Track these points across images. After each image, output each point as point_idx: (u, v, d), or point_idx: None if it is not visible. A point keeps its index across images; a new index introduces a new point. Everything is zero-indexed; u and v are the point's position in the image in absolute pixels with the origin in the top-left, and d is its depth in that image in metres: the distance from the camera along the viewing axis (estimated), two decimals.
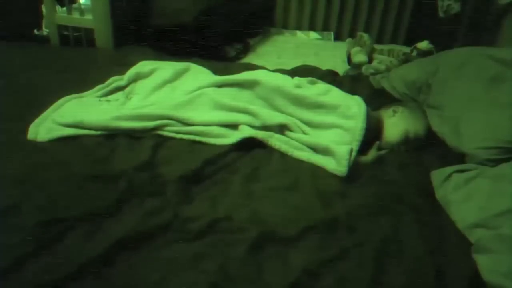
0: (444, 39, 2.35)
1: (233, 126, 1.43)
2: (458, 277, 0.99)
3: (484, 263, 1.00)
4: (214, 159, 1.30)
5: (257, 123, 1.43)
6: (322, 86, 1.61)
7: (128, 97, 1.59)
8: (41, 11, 2.17)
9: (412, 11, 2.63)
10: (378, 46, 2.35)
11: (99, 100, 1.58)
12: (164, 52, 2.06)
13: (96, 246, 0.96)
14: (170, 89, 1.61)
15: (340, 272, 0.97)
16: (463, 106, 1.50)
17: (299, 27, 2.72)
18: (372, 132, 1.48)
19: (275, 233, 1.05)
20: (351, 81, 1.94)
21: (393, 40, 2.69)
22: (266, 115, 1.44)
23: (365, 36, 2.29)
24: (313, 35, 2.67)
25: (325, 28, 2.71)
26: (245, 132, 1.39)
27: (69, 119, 1.38)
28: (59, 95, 1.53)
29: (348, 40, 2.40)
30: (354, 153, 1.33)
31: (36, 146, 1.30)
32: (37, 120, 1.39)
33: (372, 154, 1.42)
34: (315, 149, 1.38)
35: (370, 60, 2.17)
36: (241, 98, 1.51)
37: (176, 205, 1.11)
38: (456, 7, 2.26)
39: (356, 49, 2.21)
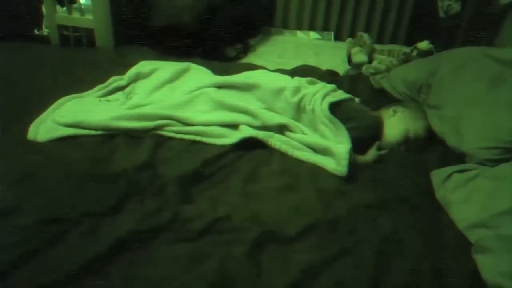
0: (444, 39, 2.35)
1: (233, 126, 1.43)
2: (458, 277, 0.99)
3: (484, 263, 1.00)
4: (214, 159, 1.30)
5: (257, 123, 1.43)
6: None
7: (128, 97, 1.59)
8: (41, 11, 2.17)
9: (412, 11, 2.63)
10: (378, 46, 2.35)
11: (99, 100, 1.58)
12: (164, 52, 2.06)
13: (96, 246, 0.96)
14: (170, 89, 1.61)
15: (340, 272, 0.97)
16: (463, 106, 1.50)
17: (299, 27, 2.71)
18: (372, 132, 1.48)
19: (275, 233, 1.05)
20: (351, 81, 1.94)
21: (393, 40, 2.69)
22: (266, 115, 1.44)
23: (365, 36, 2.29)
24: (313, 35, 2.67)
25: (325, 28, 2.71)
26: (245, 132, 1.39)
27: (69, 119, 1.38)
28: (59, 95, 1.53)
29: (348, 40, 2.40)
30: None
31: (36, 146, 1.30)
32: (37, 120, 1.39)
33: (372, 154, 1.42)
34: (315, 149, 1.38)
35: (370, 60, 2.17)
36: (241, 98, 1.51)
37: (176, 205, 1.11)
38: (456, 7, 2.26)
39: (356, 49, 2.21)
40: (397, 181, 1.30)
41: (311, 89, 1.55)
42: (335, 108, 1.47)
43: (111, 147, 1.32)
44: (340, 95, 1.56)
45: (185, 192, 1.17)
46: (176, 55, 1.94)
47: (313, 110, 1.45)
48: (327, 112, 1.43)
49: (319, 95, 1.49)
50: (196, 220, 1.07)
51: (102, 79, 1.69)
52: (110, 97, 1.62)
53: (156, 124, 1.40)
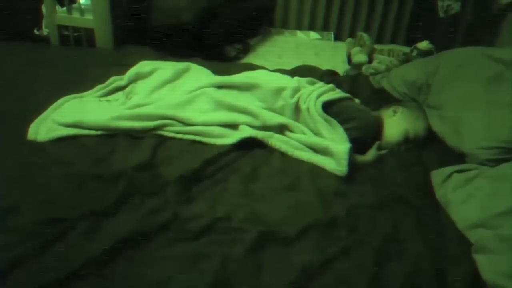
0: (444, 39, 2.35)
1: (233, 126, 1.43)
2: (458, 277, 0.99)
3: (484, 263, 1.00)
4: (214, 159, 1.30)
5: (257, 123, 1.43)
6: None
7: (128, 97, 1.60)
8: (41, 11, 2.17)
9: (412, 11, 2.63)
10: (378, 46, 2.35)
11: (99, 100, 1.58)
12: (164, 52, 2.06)
13: (96, 246, 0.96)
14: (170, 89, 1.61)
15: (340, 272, 0.97)
16: (463, 106, 1.50)
17: (299, 27, 2.72)
18: (372, 132, 1.48)
19: (275, 233, 1.05)
20: (351, 81, 1.94)
21: (393, 40, 2.69)
22: (266, 115, 1.44)
23: (365, 36, 2.29)
24: (313, 35, 2.67)
25: (325, 28, 2.71)
26: (245, 132, 1.39)
27: (69, 119, 1.38)
28: (59, 95, 1.53)
29: (348, 40, 2.40)
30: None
31: (36, 146, 1.30)
32: (37, 120, 1.39)
33: (372, 154, 1.42)
34: (315, 149, 1.38)
35: (370, 60, 2.18)
36: (241, 98, 1.51)
37: (176, 205, 1.11)
38: (456, 7, 2.26)
39: (356, 49, 2.21)
40: (397, 181, 1.30)
41: (308, 89, 1.55)
42: (332, 107, 1.48)
43: (111, 147, 1.32)
44: (335, 94, 1.56)
45: (185, 192, 1.17)
46: (176, 55, 1.94)
47: (307, 110, 1.46)
48: (321, 111, 1.44)
49: (314, 95, 1.50)
50: (196, 220, 1.07)
51: (102, 79, 1.69)
52: (110, 97, 1.62)
53: (156, 124, 1.39)
